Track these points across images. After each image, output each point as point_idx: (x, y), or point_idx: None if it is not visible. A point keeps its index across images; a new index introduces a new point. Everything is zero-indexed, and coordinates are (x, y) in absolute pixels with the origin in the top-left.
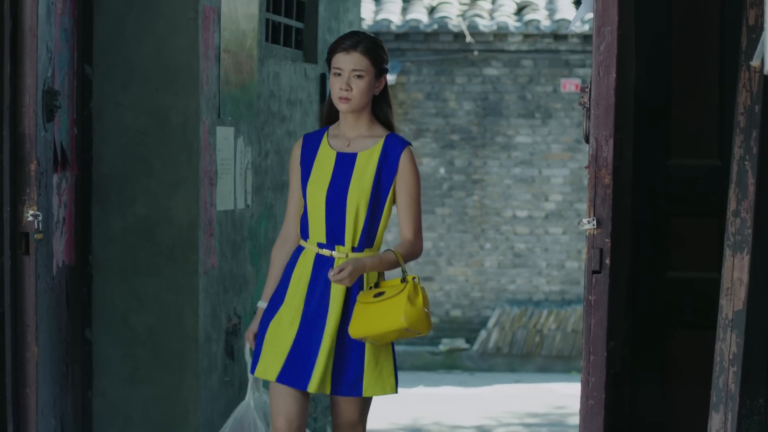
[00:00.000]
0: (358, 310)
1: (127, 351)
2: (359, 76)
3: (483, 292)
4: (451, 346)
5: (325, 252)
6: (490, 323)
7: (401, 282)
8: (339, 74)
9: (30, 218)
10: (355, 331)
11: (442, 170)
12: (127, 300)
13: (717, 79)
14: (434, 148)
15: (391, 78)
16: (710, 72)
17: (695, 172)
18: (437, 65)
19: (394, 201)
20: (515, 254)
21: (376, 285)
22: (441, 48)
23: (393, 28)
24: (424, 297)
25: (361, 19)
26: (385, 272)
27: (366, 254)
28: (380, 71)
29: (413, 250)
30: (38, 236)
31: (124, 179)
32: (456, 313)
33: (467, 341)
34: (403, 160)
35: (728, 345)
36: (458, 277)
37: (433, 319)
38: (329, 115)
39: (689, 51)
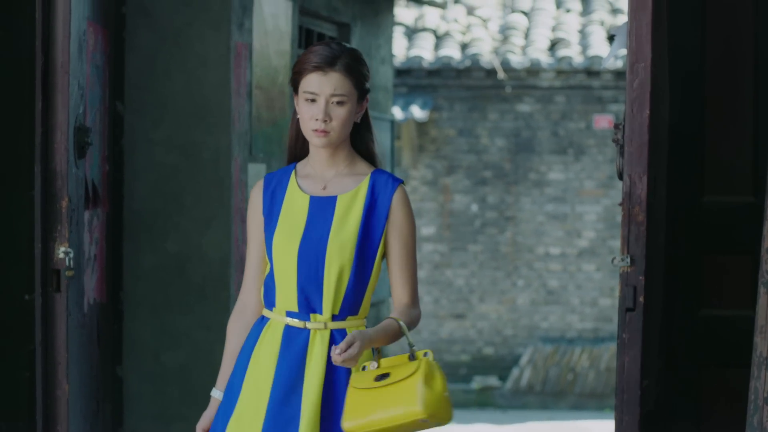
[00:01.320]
0: (353, 398)
1: (157, 388)
2: (340, 103)
3: (516, 330)
4: (483, 383)
5: (297, 323)
6: (523, 361)
7: (410, 359)
8: (313, 100)
9: (61, 255)
10: (352, 424)
11: (474, 207)
12: (158, 337)
13: (751, 115)
14: (467, 185)
15: (423, 114)
16: (744, 108)
17: (729, 209)
18: (470, 101)
19: (384, 254)
20: (548, 291)
21: (373, 364)
22: (473, 84)
23: (425, 64)
24: (442, 378)
25: (392, 56)
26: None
27: (351, 324)
28: (362, 93)
29: (414, 318)
30: (69, 273)
31: (156, 216)
32: (488, 350)
33: (500, 379)
34: (396, 202)
35: (762, 383)
36: (491, 315)
37: (466, 357)
38: (295, 149)
39: (723, 86)
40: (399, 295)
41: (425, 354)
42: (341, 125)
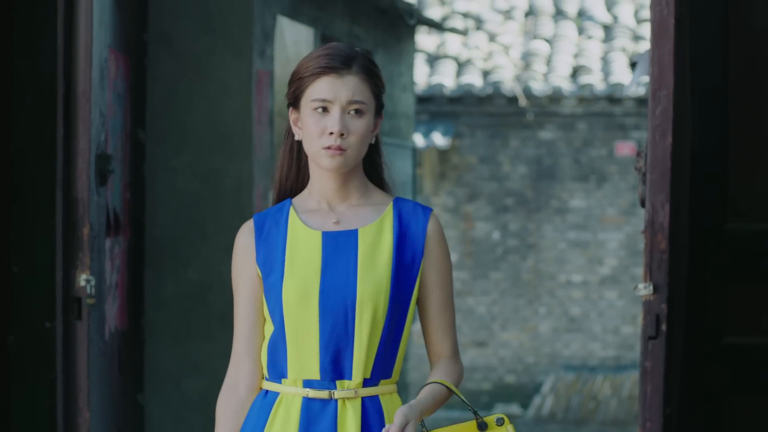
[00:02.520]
0: None
1: (179, 416)
2: (358, 112)
3: (537, 358)
4: (505, 411)
5: (320, 394)
6: (545, 389)
7: (480, 429)
8: (324, 109)
9: (83, 283)
10: None
11: (496, 234)
12: (180, 365)
13: None
14: (488, 212)
15: (444, 141)
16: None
17: (753, 236)
18: (491, 129)
19: (417, 297)
20: (570, 319)
21: None
22: (495, 111)
23: (447, 91)
24: None
25: (414, 83)
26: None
27: (384, 390)
28: (380, 105)
29: (460, 377)
30: (91, 301)
31: (177, 243)
32: (510, 378)
33: (522, 407)
34: (433, 233)
35: None
36: (512, 342)
37: (488, 385)
38: (286, 182)
39: (747, 113)
40: (438, 347)
41: (499, 420)
42: (359, 142)
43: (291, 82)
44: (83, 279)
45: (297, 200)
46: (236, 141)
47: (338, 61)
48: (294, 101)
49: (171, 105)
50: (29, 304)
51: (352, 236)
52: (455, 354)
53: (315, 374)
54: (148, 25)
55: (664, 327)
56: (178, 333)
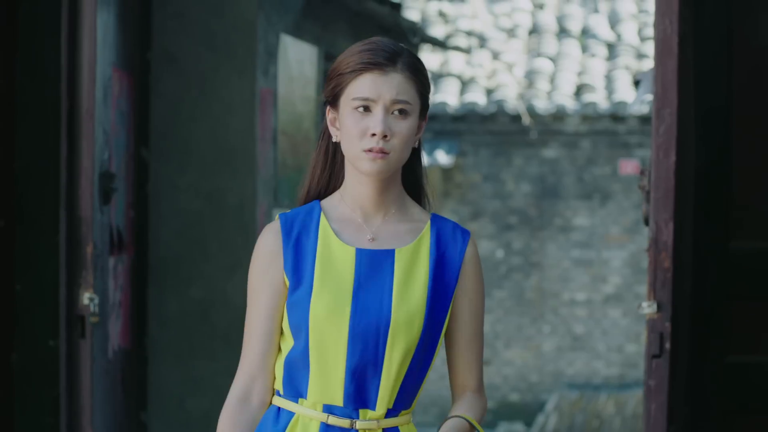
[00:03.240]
0: None
1: None
2: (403, 112)
3: (541, 376)
4: (508, 430)
5: (341, 422)
6: (549, 407)
7: None
8: (366, 108)
9: (86, 301)
10: None
11: (499, 252)
12: (183, 383)
13: None
14: (492, 231)
15: (448, 160)
16: None
17: (757, 255)
18: (495, 147)
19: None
20: (574, 337)
21: None
22: (499, 130)
23: (450, 110)
24: None
25: None
26: None
27: (403, 420)
28: (425, 107)
29: (484, 412)
30: (94, 319)
31: (180, 262)
32: (514, 397)
33: (525, 425)
34: (470, 260)
35: None
36: (516, 361)
37: (491, 403)
38: (319, 182)
39: (751, 131)
40: (463, 379)
41: None
42: (403, 144)
43: (330, 78)
44: (87, 297)
45: (327, 204)
46: (240, 159)
47: (383, 56)
48: (332, 99)
49: (174, 123)
50: (33, 322)
51: (388, 257)
52: (480, 387)
53: (338, 400)
54: (151, 43)
55: (668, 345)
56: (182, 351)
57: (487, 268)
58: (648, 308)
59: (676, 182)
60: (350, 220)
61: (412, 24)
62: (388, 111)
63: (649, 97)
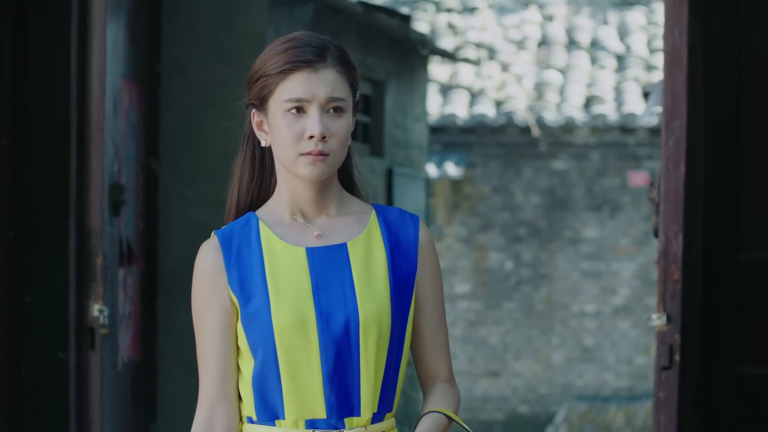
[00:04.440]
0: None
1: None
2: (338, 110)
3: (550, 388)
4: None
5: None
6: (558, 419)
7: None
8: (299, 109)
9: (96, 313)
10: None
11: (509, 264)
12: (193, 395)
13: None
14: (501, 242)
15: (457, 171)
16: None
17: (766, 267)
18: (504, 159)
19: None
20: (583, 349)
21: None
22: (508, 142)
23: (460, 122)
24: None
25: (427, 113)
26: None
27: (387, 425)
28: (357, 102)
29: (457, 400)
30: (104, 331)
31: (190, 273)
32: (523, 409)
33: None
34: (425, 242)
35: None
36: (525, 373)
37: (501, 415)
38: (248, 195)
39: (760, 143)
40: (434, 370)
41: None
42: (342, 144)
43: (254, 81)
44: (96, 309)
45: (262, 213)
46: None
47: (311, 53)
48: (259, 103)
49: (184, 135)
50: (42, 334)
51: (341, 251)
52: (451, 376)
53: (320, 412)
54: (161, 55)
55: (677, 357)
56: (191, 363)
57: (497, 280)
58: (657, 320)
59: (685, 194)
60: (291, 224)
61: (422, 36)
62: (323, 110)
63: (659, 108)
